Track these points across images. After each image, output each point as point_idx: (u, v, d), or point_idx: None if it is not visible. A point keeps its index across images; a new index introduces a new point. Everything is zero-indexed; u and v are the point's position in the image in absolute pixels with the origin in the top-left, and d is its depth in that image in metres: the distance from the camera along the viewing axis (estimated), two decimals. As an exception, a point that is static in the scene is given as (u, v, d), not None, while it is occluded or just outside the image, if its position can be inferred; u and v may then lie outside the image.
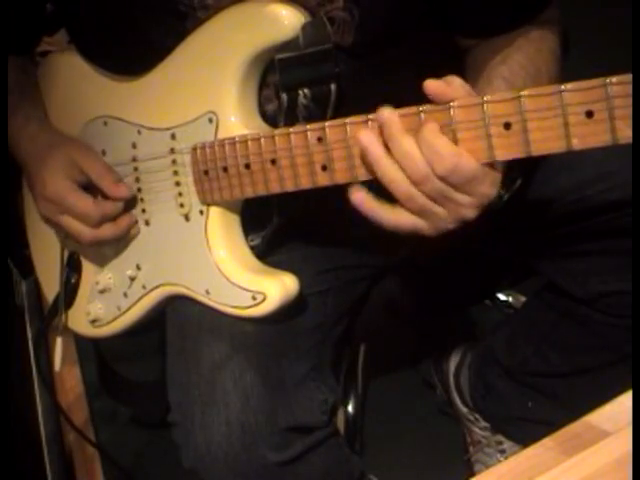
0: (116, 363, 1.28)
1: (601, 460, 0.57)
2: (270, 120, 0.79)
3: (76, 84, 0.93)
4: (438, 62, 0.78)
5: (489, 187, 0.64)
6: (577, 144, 0.57)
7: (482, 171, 0.63)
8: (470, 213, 0.65)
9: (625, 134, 0.55)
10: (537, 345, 1.07)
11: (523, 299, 1.40)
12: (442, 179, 0.63)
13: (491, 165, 0.64)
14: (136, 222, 0.87)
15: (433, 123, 0.62)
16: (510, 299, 1.45)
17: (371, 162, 0.65)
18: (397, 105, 0.65)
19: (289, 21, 0.72)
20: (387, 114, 0.64)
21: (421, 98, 0.65)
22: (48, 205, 0.86)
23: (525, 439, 1.09)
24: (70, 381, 1.39)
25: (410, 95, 0.65)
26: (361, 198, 0.67)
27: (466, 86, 0.64)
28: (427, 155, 0.62)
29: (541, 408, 1.09)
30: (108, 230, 0.85)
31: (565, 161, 0.84)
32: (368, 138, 0.65)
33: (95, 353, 1.29)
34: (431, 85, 0.62)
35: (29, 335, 1.20)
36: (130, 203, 0.87)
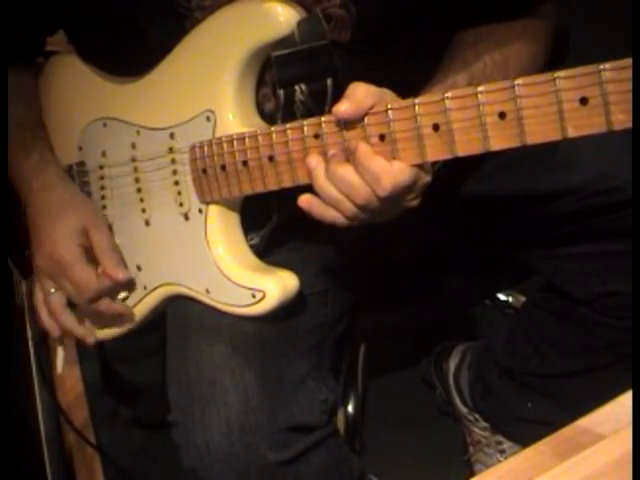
0: (117, 363, 1.28)
1: (601, 460, 0.57)
2: (269, 118, 0.79)
3: (75, 86, 0.93)
4: (434, 58, 0.78)
5: (426, 177, 0.67)
6: (572, 132, 0.57)
7: (417, 171, 0.65)
8: (415, 203, 0.69)
9: (619, 119, 0.54)
10: (537, 345, 1.07)
11: (523, 299, 1.40)
12: (384, 199, 0.65)
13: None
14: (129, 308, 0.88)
15: (365, 145, 0.65)
16: (510, 299, 1.45)
17: (315, 186, 0.68)
18: None
19: (284, 18, 0.73)
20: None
21: (417, 94, 0.65)
22: (52, 265, 0.85)
23: (525, 439, 1.09)
24: (70, 381, 1.39)
25: (406, 90, 0.65)
26: (308, 203, 0.69)
27: (370, 89, 0.65)
28: (367, 180, 0.65)
29: (540, 408, 1.09)
30: (95, 307, 0.85)
31: (564, 161, 0.84)
32: (314, 162, 0.68)
33: (96, 353, 1.29)
34: (340, 111, 0.65)
35: (29, 335, 1.20)
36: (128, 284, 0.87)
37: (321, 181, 0.67)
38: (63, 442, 1.29)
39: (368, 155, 0.65)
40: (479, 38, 0.77)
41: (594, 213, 0.85)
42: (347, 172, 0.66)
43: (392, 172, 0.64)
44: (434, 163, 0.69)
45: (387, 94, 0.66)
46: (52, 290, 0.88)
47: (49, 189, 0.88)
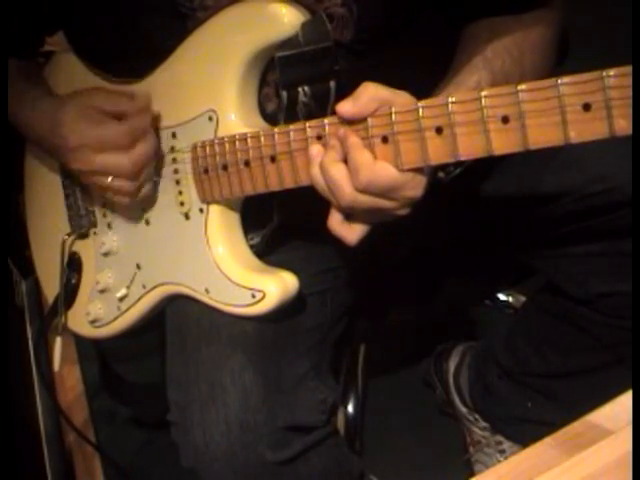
0: (116, 363, 1.28)
1: (601, 460, 0.57)
2: (270, 118, 0.79)
3: (77, 85, 0.93)
4: (437, 57, 0.78)
5: (412, 191, 0.67)
6: (574, 137, 0.57)
7: (402, 179, 0.65)
8: (401, 212, 0.69)
9: (622, 126, 0.54)
10: (536, 345, 1.07)
11: (523, 299, 1.40)
12: (363, 192, 0.66)
13: (416, 170, 0.66)
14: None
15: (354, 137, 0.65)
16: (510, 299, 1.45)
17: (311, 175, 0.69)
18: None
19: (288, 19, 0.73)
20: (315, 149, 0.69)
21: (419, 93, 0.65)
22: (78, 153, 0.81)
23: (524, 439, 1.09)
24: (70, 381, 1.39)
25: (409, 90, 0.65)
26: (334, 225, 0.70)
27: (379, 93, 0.66)
28: (350, 168, 0.66)
29: (540, 408, 1.09)
30: (143, 147, 0.80)
31: (564, 162, 0.84)
32: (315, 151, 0.69)
33: (95, 353, 1.29)
34: (343, 110, 0.66)
35: (29, 335, 1.20)
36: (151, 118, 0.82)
37: (315, 171, 0.68)
38: (63, 442, 1.29)
39: (356, 146, 0.65)
40: (494, 32, 0.77)
41: (594, 213, 0.85)
42: (338, 170, 0.66)
43: (372, 168, 0.65)
44: (436, 171, 0.69)
45: (400, 96, 0.66)
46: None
47: (43, 112, 0.86)
